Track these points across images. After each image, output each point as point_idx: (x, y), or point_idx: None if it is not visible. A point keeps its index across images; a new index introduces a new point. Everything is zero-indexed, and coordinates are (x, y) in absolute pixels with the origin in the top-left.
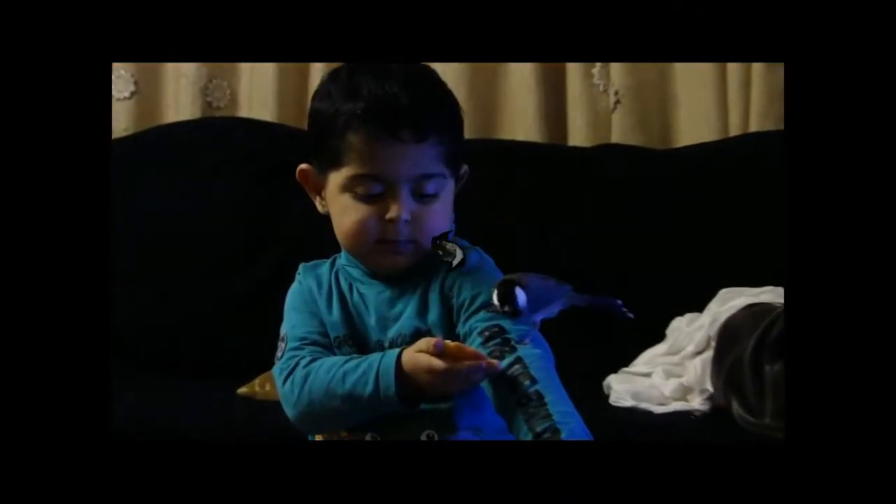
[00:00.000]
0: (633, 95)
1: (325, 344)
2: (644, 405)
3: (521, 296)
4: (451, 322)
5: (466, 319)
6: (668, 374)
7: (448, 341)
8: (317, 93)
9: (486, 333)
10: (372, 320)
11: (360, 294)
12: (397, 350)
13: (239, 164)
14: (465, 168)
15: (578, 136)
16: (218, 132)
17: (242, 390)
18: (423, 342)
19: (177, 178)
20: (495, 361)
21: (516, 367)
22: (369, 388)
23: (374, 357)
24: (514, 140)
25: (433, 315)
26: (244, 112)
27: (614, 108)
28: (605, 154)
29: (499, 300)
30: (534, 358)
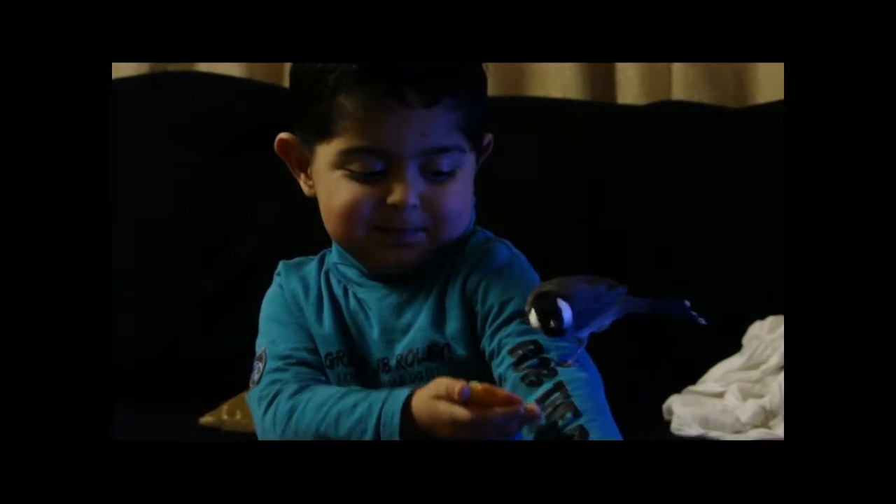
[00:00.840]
0: None
1: (313, 363)
2: (715, 434)
3: (566, 311)
4: (474, 334)
5: (494, 333)
6: (745, 394)
7: (476, 384)
8: None
9: (519, 352)
10: (374, 333)
11: (358, 300)
12: (405, 392)
13: (198, 131)
14: (488, 137)
15: (630, 91)
16: (171, 90)
17: (206, 419)
18: (443, 385)
19: (117, 148)
20: (535, 407)
21: (556, 395)
22: (368, 436)
23: (376, 397)
24: (548, 98)
25: (453, 325)
26: (204, 66)
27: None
28: (665, 113)
29: (539, 319)
30: (579, 384)
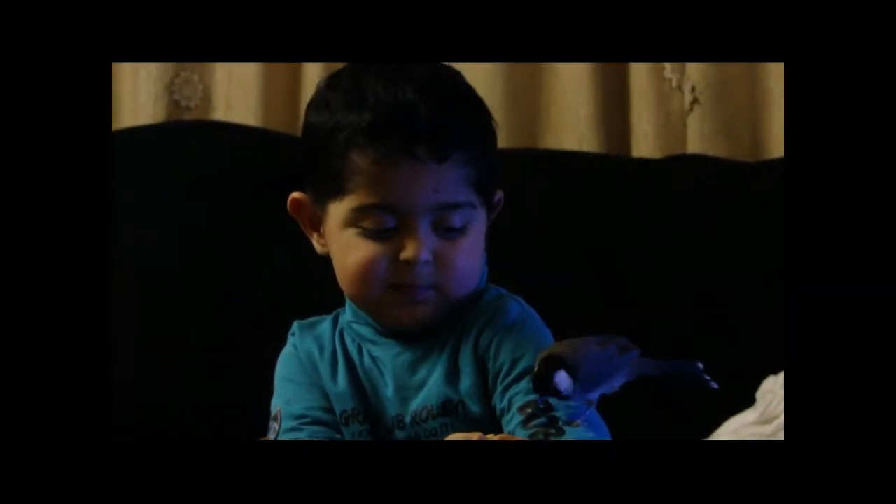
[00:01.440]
0: (715, 93)
1: (328, 422)
2: None
3: (563, 382)
4: (487, 391)
5: (505, 390)
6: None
7: (492, 435)
8: (312, 102)
9: (529, 410)
10: (389, 390)
11: (373, 357)
12: None
13: (211, 181)
14: (499, 194)
15: (645, 144)
16: (185, 139)
17: None
18: (459, 439)
19: (130, 197)
20: None
21: None
22: None
23: None
24: (562, 150)
25: (466, 382)
26: (220, 114)
27: (691, 109)
28: (680, 166)
29: (535, 384)
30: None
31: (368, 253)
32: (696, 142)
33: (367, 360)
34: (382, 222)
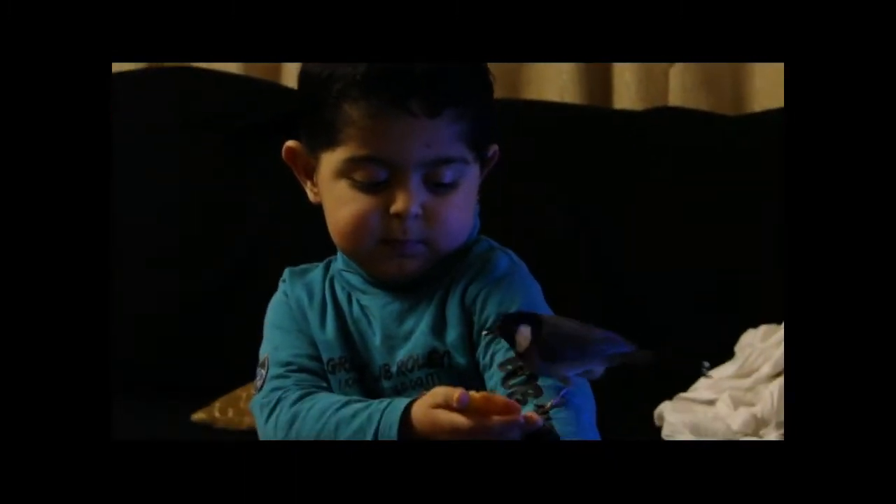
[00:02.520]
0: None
1: (315, 370)
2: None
3: (521, 334)
4: (473, 343)
5: (488, 344)
6: (736, 402)
7: (474, 393)
8: None
9: (509, 367)
10: (376, 339)
11: (362, 307)
12: (404, 402)
13: (195, 127)
14: (493, 149)
15: (627, 96)
16: (167, 85)
17: (198, 416)
18: (441, 394)
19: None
20: (535, 416)
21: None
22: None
23: (375, 407)
24: (545, 101)
25: (452, 333)
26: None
27: (672, 63)
28: (661, 120)
29: (498, 330)
30: (565, 408)
31: (360, 207)
32: (678, 94)
33: (356, 308)
34: (374, 175)
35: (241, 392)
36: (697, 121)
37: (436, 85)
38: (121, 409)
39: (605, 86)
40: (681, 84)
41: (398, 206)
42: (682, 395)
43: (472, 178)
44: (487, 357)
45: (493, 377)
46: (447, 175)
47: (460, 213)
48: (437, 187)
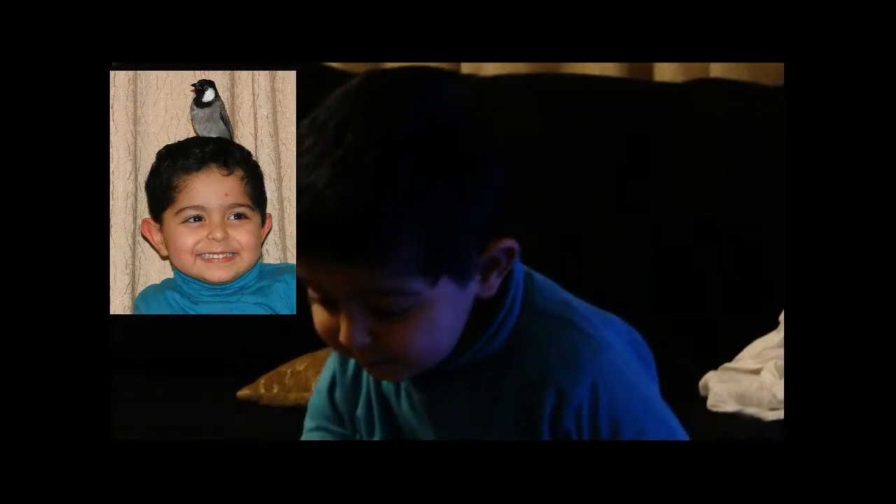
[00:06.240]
0: None
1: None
2: (751, 410)
3: None
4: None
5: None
6: (781, 371)
7: None
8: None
9: None
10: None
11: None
12: None
13: None
14: (497, 250)
15: (667, 67)
16: None
17: (244, 392)
18: None
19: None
20: None
21: None
22: None
23: None
24: (584, 74)
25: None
26: None
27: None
28: (703, 90)
29: None
30: None
31: (323, 321)
32: (720, 64)
33: (405, 404)
34: (322, 296)
35: (286, 368)
36: (740, 91)
37: (350, 231)
38: (162, 386)
39: None
40: None
41: (341, 335)
42: (728, 364)
43: (439, 299)
44: None
45: None
46: (392, 305)
47: (427, 334)
48: (386, 315)
